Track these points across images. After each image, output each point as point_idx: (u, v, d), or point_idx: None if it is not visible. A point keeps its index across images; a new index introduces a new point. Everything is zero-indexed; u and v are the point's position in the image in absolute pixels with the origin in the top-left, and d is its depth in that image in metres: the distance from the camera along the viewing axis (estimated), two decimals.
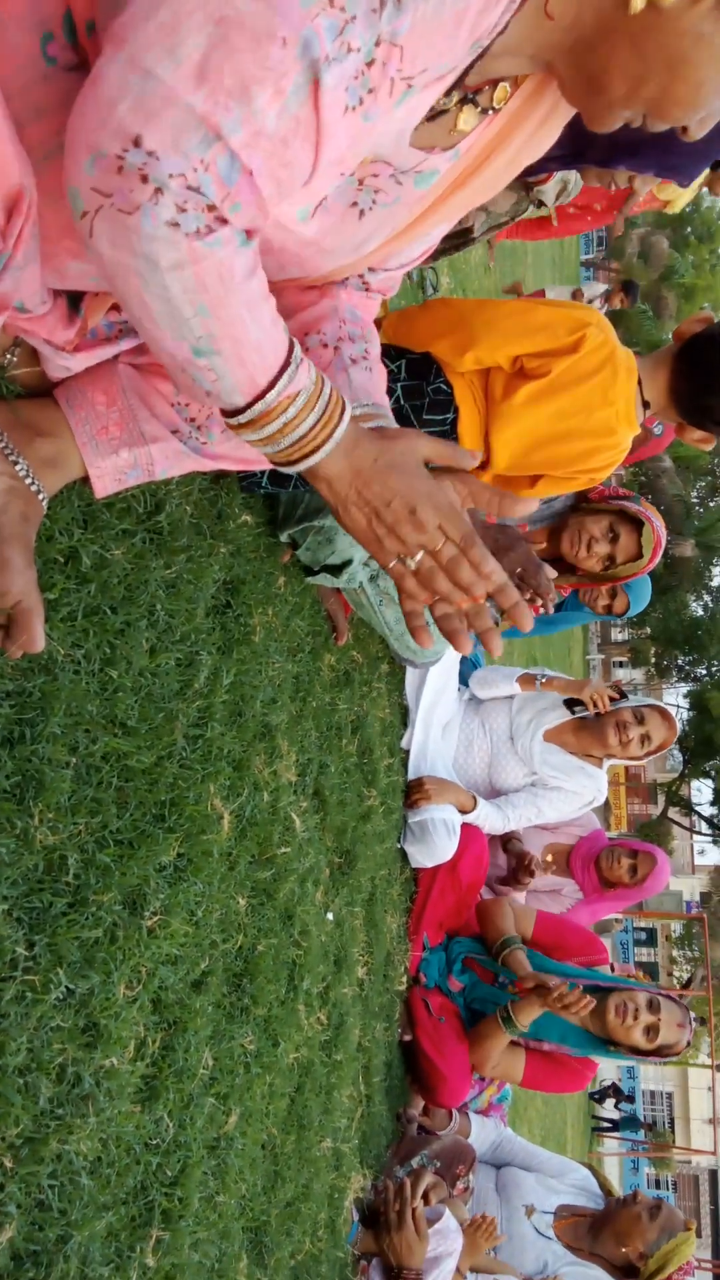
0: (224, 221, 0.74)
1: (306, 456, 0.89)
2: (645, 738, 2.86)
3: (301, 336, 1.05)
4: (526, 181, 2.06)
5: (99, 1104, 1.10)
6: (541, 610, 1.86)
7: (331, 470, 0.90)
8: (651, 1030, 2.55)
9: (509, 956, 2.64)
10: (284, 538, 1.81)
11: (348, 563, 1.87)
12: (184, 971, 1.33)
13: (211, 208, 0.73)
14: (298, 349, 0.86)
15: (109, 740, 1.18)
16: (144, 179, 0.70)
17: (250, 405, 0.85)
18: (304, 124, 0.73)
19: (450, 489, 0.93)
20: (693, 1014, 2.73)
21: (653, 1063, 2.69)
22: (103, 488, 1.09)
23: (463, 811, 2.76)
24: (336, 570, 1.88)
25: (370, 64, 0.73)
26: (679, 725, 3.05)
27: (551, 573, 1.87)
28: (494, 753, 3.01)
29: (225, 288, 0.76)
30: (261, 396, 0.84)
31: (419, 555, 0.92)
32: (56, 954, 1.05)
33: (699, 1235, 2.65)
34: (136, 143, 0.69)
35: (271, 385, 0.84)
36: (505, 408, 1.60)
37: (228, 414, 0.87)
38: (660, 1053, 2.58)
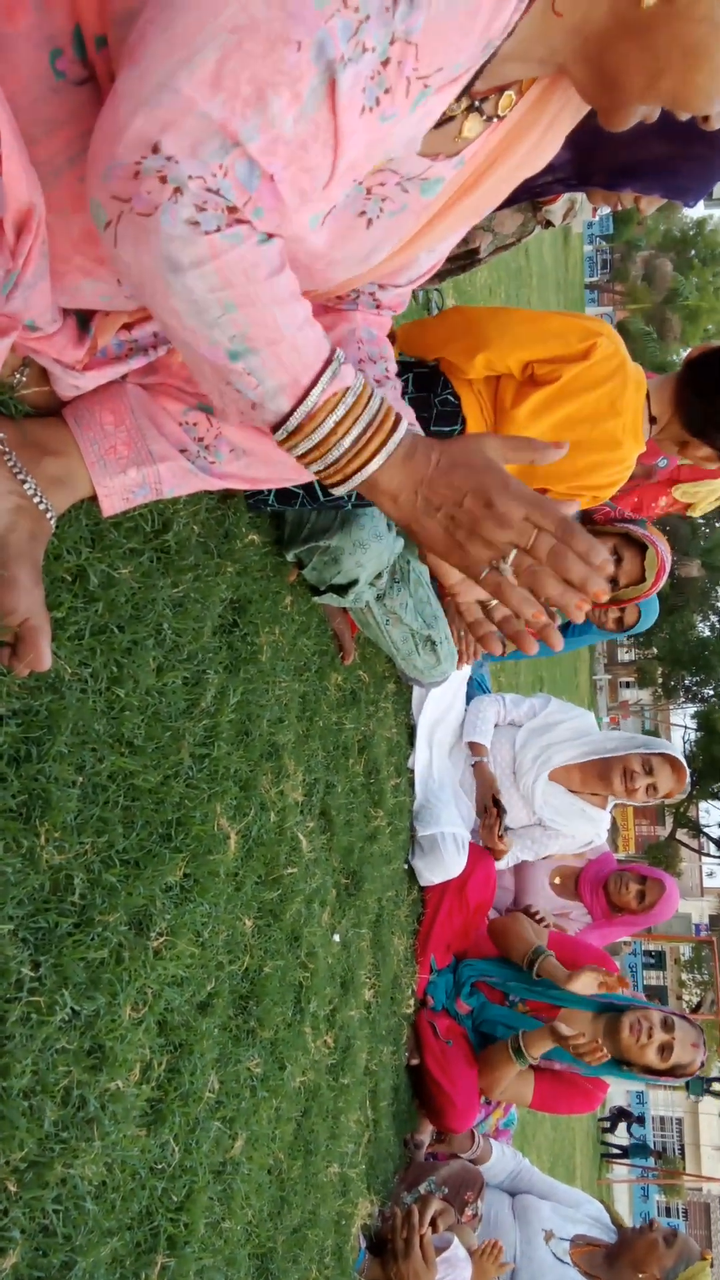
0: (244, 222, 0.74)
1: (363, 467, 0.84)
2: (652, 788, 2.84)
3: None
4: (534, 202, 2.08)
5: (104, 1127, 1.09)
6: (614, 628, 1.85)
7: (392, 482, 0.85)
8: (666, 1049, 2.52)
9: (544, 964, 2.61)
10: (290, 557, 1.81)
11: (354, 582, 1.87)
12: (190, 993, 1.32)
13: (232, 209, 0.73)
14: (341, 352, 0.84)
15: (116, 759, 1.18)
16: (163, 179, 0.70)
17: (296, 408, 0.82)
18: (322, 127, 0.73)
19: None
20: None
21: (666, 1083, 2.66)
22: (110, 506, 1.09)
23: None
24: (343, 590, 1.88)
25: (386, 63, 0.73)
26: (686, 747, 3.01)
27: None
28: (498, 785, 2.99)
29: (251, 283, 0.76)
30: (306, 395, 0.81)
31: (512, 555, 0.82)
32: (62, 975, 1.04)
33: (712, 1265, 2.61)
34: (155, 149, 0.69)
35: (315, 382, 0.81)
36: (514, 415, 1.60)
37: (275, 428, 0.84)
38: (674, 1072, 2.55)
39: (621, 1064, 2.56)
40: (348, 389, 0.83)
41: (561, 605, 0.82)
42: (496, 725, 3.05)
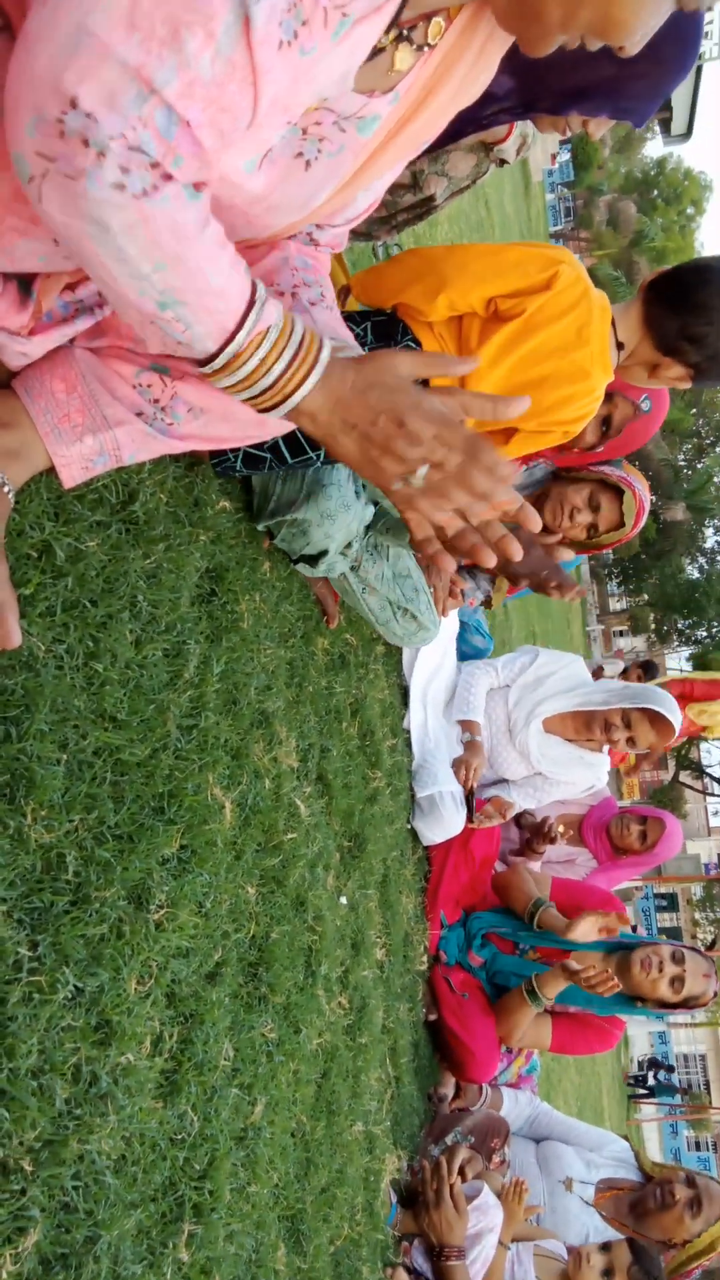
0: (169, 178, 0.73)
1: (291, 394, 0.87)
2: (631, 740, 2.85)
3: None
4: (485, 143, 2.03)
5: (118, 1102, 1.08)
6: (573, 599, 1.85)
7: (313, 404, 0.88)
8: (677, 981, 2.54)
9: (543, 916, 2.63)
10: (260, 527, 1.79)
11: (324, 553, 1.85)
12: (197, 963, 1.31)
13: (155, 165, 0.72)
14: (261, 288, 0.86)
15: (99, 734, 1.16)
16: (85, 143, 0.69)
17: (222, 349, 0.85)
18: (239, 66, 0.72)
19: (439, 402, 0.88)
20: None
21: (680, 1014, 2.68)
22: (70, 477, 1.07)
23: None
24: (313, 560, 1.86)
25: None
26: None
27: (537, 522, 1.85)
28: (494, 743, 2.99)
29: (180, 242, 0.76)
30: (231, 339, 0.84)
31: (422, 471, 0.87)
32: (62, 953, 1.03)
33: None
34: (74, 103, 0.68)
35: (239, 326, 0.84)
36: (481, 353, 1.57)
37: (201, 363, 0.87)
38: (687, 1004, 2.57)
39: (635, 1000, 2.58)
40: (269, 327, 0.86)
41: (467, 513, 0.87)
42: (492, 689, 3.04)
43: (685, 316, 1.66)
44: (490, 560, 0.89)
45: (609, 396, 2.05)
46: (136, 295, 0.79)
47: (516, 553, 0.87)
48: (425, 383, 1.20)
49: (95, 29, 0.66)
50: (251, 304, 0.84)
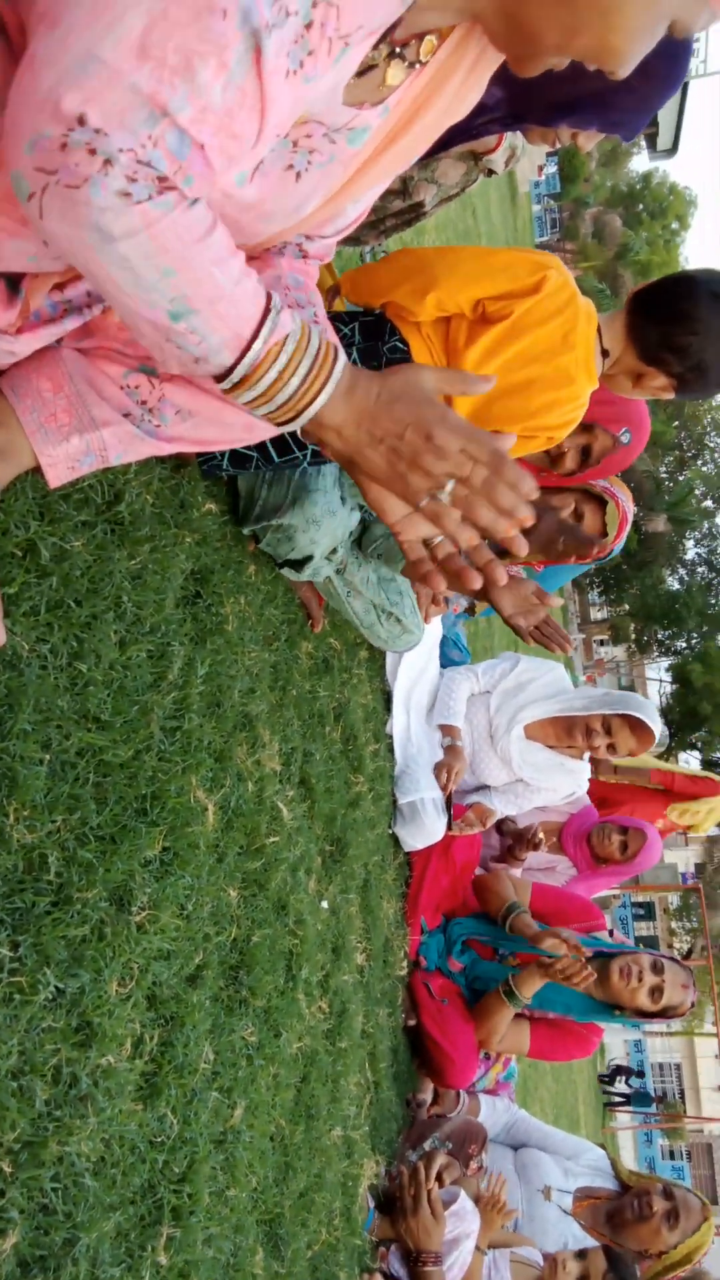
0: (174, 188, 0.73)
1: (307, 407, 0.86)
2: (611, 746, 2.87)
3: None
4: (474, 152, 2.05)
5: (98, 1104, 1.08)
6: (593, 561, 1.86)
7: (336, 418, 0.87)
8: (656, 991, 2.55)
9: (516, 921, 2.64)
10: (246, 531, 1.79)
11: (309, 558, 1.85)
12: (178, 966, 1.31)
13: (162, 179, 0.72)
14: (276, 297, 0.85)
15: (83, 735, 1.16)
16: (91, 152, 0.69)
17: (239, 361, 0.83)
18: (249, 94, 0.72)
19: (462, 417, 0.88)
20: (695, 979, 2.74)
21: (659, 1024, 2.70)
22: (56, 476, 1.07)
23: None
24: (298, 565, 1.86)
25: (309, 26, 0.73)
26: (662, 700, 3.01)
27: (524, 548, 1.88)
28: (475, 748, 2.99)
29: (186, 246, 0.75)
30: (248, 349, 0.82)
31: (449, 486, 0.86)
32: (43, 954, 1.03)
33: (715, 1201, 2.68)
34: (81, 121, 0.68)
35: (256, 335, 0.82)
36: (466, 355, 1.58)
37: (220, 379, 0.85)
38: (666, 1014, 2.59)
39: (614, 1008, 2.59)
40: (287, 336, 0.84)
41: (493, 530, 0.86)
42: (473, 694, 3.05)
43: (667, 327, 1.68)
44: (476, 584, 0.88)
45: (589, 427, 2.07)
46: (147, 307, 0.78)
47: (501, 578, 0.88)
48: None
49: (105, 56, 0.66)
50: (267, 311, 0.83)
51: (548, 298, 1.56)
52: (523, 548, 0.89)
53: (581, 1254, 2.30)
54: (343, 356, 0.87)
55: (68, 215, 0.72)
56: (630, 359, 1.75)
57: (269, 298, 0.84)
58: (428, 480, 0.86)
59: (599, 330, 1.68)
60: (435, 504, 0.87)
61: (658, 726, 2.85)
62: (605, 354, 1.71)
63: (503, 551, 0.94)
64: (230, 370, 0.84)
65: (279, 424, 0.88)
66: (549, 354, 1.58)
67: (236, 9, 0.68)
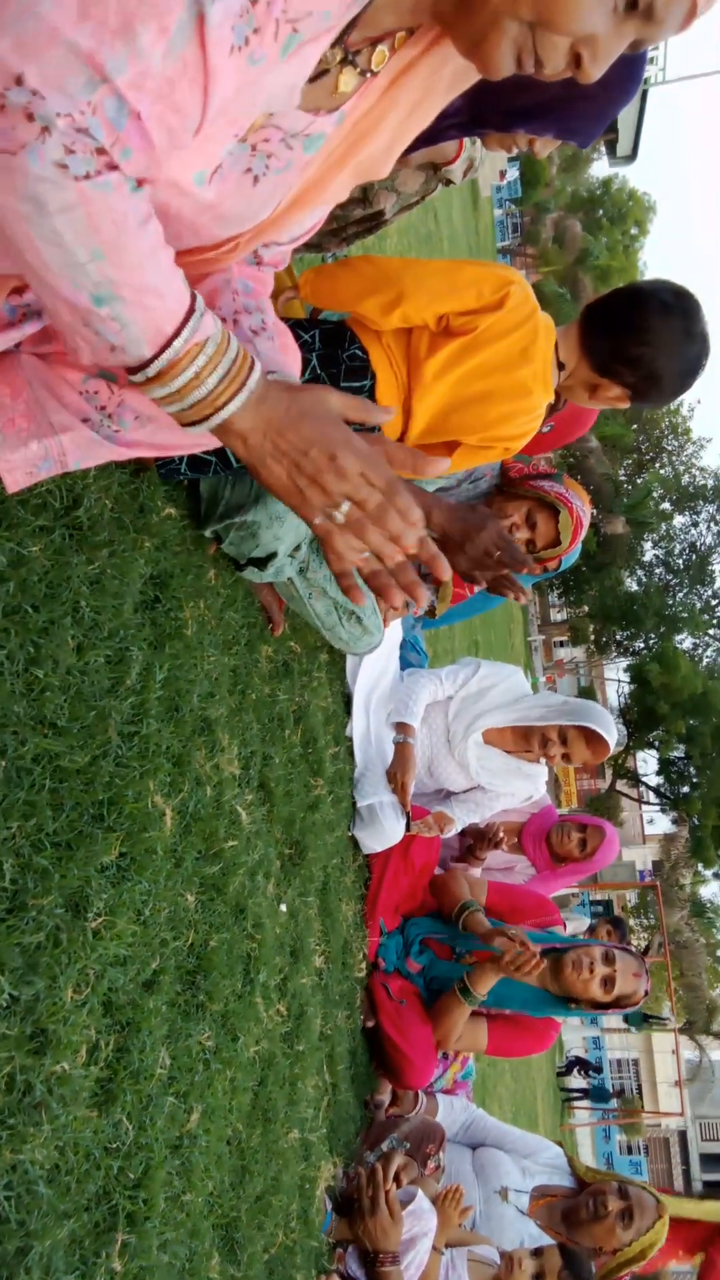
0: (114, 167, 0.72)
1: (217, 411, 0.87)
2: (566, 756, 2.90)
3: None
4: (434, 163, 2.07)
5: (52, 1111, 1.08)
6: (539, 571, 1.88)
7: (244, 424, 0.88)
8: (609, 982, 2.59)
9: (469, 919, 2.66)
10: (208, 533, 1.79)
11: (273, 555, 1.85)
12: (134, 972, 1.31)
13: (101, 151, 0.71)
14: (199, 298, 0.85)
15: (39, 741, 1.15)
16: (29, 117, 0.68)
17: (157, 355, 0.83)
18: (190, 65, 0.72)
19: (366, 443, 0.90)
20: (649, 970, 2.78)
21: (613, 1014, 2.73)
22: (14, 482, 1.06)
23: None
24: (262, 563, 1.87)
25: (255, 1, 0.72)
26: (620, 700, 3.05)
27: (447, 571, 1.89)
28: (434, 753, 3.01)
29: (120, 231, 0.75)
30: (168, 345, 0.83)
31: (345, 506, 0.89)
32: None
33: (674, 1193, 2.71)
34: (19, 81, 0.67)
35: (177, 332, 0.82)
36: (427, 365, 1.60)
37: (134, 370, 0.85)
38: (619, 1003, 2.62)
39: (569, 1001, 2.63)
40: (208, 339, 0.85)
41: (380, 553, 0.90)
42: (434, 700, 3.06)
43: (618, 339, 1.72)
44: (398, 601, 0.91)
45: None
46: (71, 288, 0.77)
47: (423, 599, 0.90)
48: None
49: (45, 13, 0.65)
50: (191, 311, 0.83)
51: (510, 313, 1.58)
52: (446, 571, 0.91)
53: (538, 1252, 2.33)
54: (259, 367, 0.88)
55: (2, 182, 0.70)
56: (585, 371, 1.78)
57: (194, 298, 0.84)
58: (324, 498, 0.89)
59: (556, 344, 1.71)
60: (328, 522, 0.90)
61: (613, 737, 2.88)
62: (561, 366, 1.74)
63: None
64: (147, 364, 0.84)
65: (187, 424, 0.89)
66: (507, 367, 1.61)
67: None
